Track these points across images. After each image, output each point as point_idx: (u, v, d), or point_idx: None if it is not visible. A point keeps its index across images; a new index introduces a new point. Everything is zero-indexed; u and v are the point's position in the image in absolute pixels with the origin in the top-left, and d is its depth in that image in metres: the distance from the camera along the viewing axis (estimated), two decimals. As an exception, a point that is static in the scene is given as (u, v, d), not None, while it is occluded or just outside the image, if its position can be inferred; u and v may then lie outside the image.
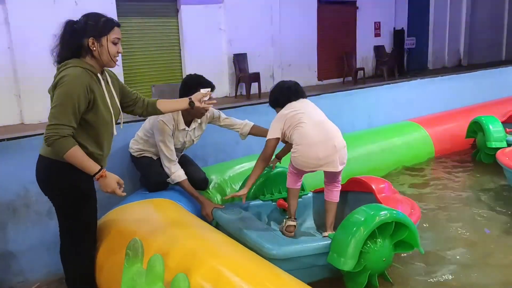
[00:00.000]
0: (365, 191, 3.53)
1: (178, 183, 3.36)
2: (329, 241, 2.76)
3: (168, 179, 3.36)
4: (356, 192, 3.65)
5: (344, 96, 5.81)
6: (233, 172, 3.89)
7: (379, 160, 5.05)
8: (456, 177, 5.17)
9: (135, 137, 3.65)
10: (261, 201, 3.53)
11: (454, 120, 6.10)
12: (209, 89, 2.90)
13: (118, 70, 8.85)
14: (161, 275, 1.97)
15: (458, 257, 3.34)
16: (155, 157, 3.56)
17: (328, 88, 11.10)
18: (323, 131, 3.06)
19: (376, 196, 3.36)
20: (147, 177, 3.49)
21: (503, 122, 5.80)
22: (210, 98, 2.93)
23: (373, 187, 3.42)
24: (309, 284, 2.17)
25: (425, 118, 6.05)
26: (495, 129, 5.38)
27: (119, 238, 2.62)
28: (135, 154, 3.61)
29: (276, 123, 3.17)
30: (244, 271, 2.16)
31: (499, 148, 5.23)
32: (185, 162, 3.62)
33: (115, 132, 2.59)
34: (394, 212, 2.75)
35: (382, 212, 2.70)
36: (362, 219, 2.68)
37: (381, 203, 3.26)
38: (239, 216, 3.13)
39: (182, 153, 3.68)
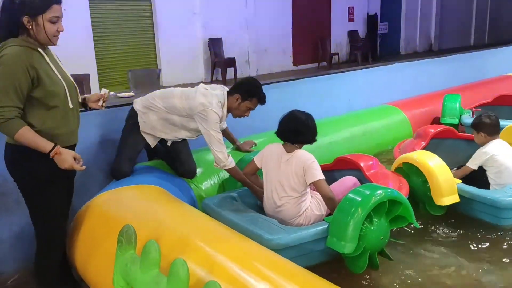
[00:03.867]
0: (353, 169, 3.55)
1: (227, 170, 3.28)
2: (327, 225, 2.73)
3: (219, 164, 3.25)
4: (345, 170, 3.67)
5: (324, 81, 5.80)
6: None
7: (360, 143, 5.06)
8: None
9: (148, 103, 3.36)
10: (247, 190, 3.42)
11: (431, 103, 6.16)
12: (108, 91, 2.79)
13: (90, 55, 8.65)
14: (157, 261, 1.91)
15: (449, 232, 3.37)
16: (146, 139, 3.41)
17: (303, 73, 11.11)
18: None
19: (364, 174, 3.37)
20: (119, 154, 3.36)
21: (489, 104, 5.84)
22: (106, 99, 2.77)
23: (361, 164, 3.41)
24: (309, 268, 2.14)
25: (403, 102, 6.10)
26: (450, 106, 5.45)
27: (107, 225, 2.54)
28: (130, 120, 3.40)
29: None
30: (239, 256, 2.13)
31: (453, 125, 5.33)
32: (181, 148, 3.52)
33: (70, 105, 2.46)
34: (389, 190, 2.74)
35: (378, 192, 2.69)
36: (359, 200, 2.66)
37: (370, 180, 3.29)
38: (231, 208, 3.06)
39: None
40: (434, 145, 4.22)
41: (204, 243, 2.21)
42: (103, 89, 2.75)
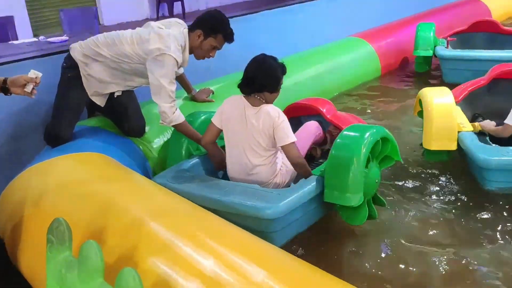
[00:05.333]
0: (310, 115, 3.18)
1: (175, 126, 2.78)
2: (321, 179, 2.40)
3: (165, 121, 2.75)
4: (302, 116, 3.30)
5: (283, 13, 5.27)
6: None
7: (328, 81, 4.65)
8: (403, 91, 5.00)
9: (90, 51, 2.80)
10: (197, 158, 2.83)
11: (398, 32, 5.75)
12: (41, 74, 2.03)
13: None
14: (99, 267, 1.44)
15: (442, 191, 2.97)
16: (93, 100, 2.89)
17: (258, 4, 10.35)
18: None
19: (326, 118, 3.06)
20: (57, 116, 2.84)
21: (464, 32, 5.46)
22: (37, 85, 2.05)
23: (321, 109, 3.09)
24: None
25: (368, 32, 5.65)
26: (424, 36, 5.06)
27: (37, 212, 2.02)
28: (69, 73, 2.85)
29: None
30: (207, 244, 1.67)
31: (427, 57, 5.08)
32: (127, 101, 3.01)
33: None
34: (375, 128, 2.46)
35: (368, 133, 2.40)
36: (354, 144, 2.35)
37: (335, 123, 3.02)
38: (196, 181, 2.50)
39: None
40: (496, 86, 3.56)
41: (164, 230, 1.74)
42: (32, 71, 2.01)
